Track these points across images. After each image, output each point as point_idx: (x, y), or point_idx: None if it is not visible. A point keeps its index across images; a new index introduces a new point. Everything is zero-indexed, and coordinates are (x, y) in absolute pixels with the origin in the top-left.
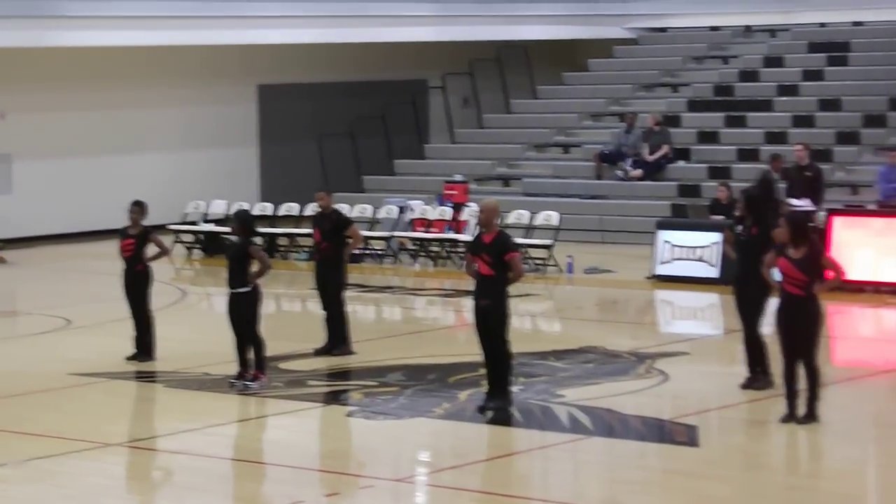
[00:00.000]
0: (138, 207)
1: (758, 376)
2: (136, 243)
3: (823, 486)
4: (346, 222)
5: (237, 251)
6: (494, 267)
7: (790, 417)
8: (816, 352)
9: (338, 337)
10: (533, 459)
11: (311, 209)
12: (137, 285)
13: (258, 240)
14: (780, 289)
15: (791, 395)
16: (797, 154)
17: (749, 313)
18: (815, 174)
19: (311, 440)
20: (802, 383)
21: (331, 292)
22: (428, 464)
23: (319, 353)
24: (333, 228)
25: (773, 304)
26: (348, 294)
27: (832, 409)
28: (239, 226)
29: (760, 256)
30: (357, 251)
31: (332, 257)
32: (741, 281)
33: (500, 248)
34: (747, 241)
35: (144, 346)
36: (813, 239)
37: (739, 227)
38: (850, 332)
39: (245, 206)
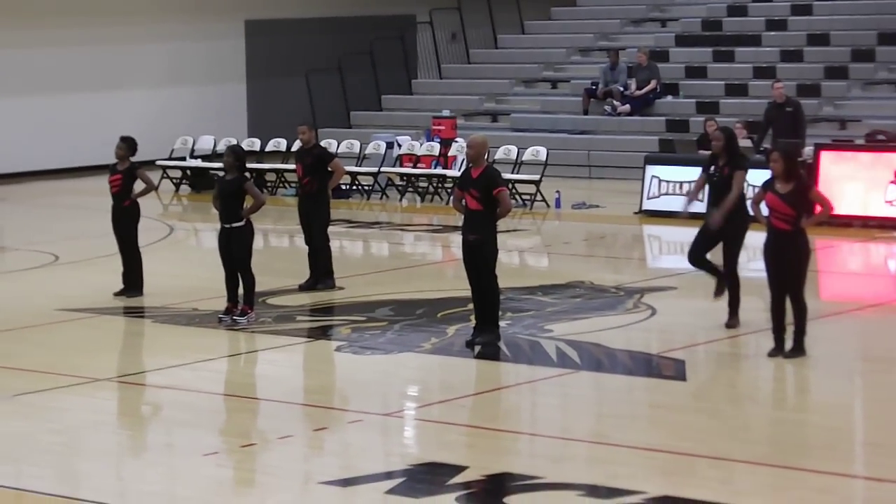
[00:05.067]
0: (125, 144)
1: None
2: (123, 179)
3: (810, 419)
4: (328, 156)
5: (232, 186)
6: (483, 202)
7: (777, 351)
8: (803, 286)
9: (321, 272)
10: (521, 394)
11: (298, 145)
12: (125, 221)
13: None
14: (767, 224)
15: (778, 330)
16: (774, 93)
17: (725, 252)
18: (795, 109)
19: (299, 375)
20: (789, 318)
21: (314, 227)
22: (416, 398)
23: (304, 288)
24: (315, 163)
25: (753, 239)
26: (336, 230)
27: (819, 343)
28: (234, 160)
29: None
30: (344, 186)
31: (316, 192)
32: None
33: (488, 182)
34: (719, 181)
35: (132, 281)
36: (801, 174)
37: (711, 168)
38: (838, 266)
39: (233, 141)
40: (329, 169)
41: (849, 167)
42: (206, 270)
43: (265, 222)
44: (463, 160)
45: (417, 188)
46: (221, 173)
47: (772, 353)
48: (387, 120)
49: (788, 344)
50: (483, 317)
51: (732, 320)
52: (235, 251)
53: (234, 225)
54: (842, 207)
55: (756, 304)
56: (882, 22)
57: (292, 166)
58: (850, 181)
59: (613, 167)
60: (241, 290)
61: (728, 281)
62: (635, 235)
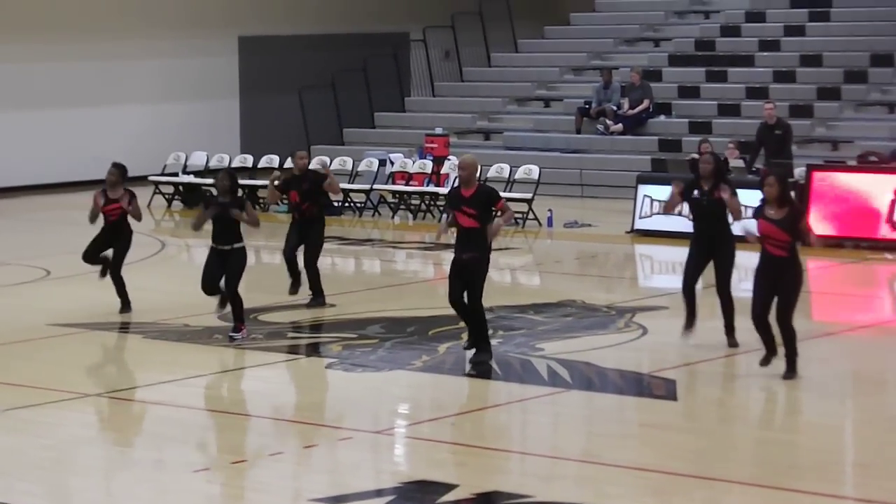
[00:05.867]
0: (117, 170)
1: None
2: (121, 206)
3: (801, 440)
4: (322, 177)
5: (233, 207)
6: (479, 219)
7: (770, 356)
8: (793, 312)
9: (314, 290)
10: (511, 412)
11: (289, 163)
12: (121, 242)
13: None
14: (762, 250)
15: (765, 334)
16: (765, 114)
17: (718, 275)
18: (784, 132)
19: (290, 392)
20: (778, 338)
21: (310, 249)
22: (407, 416)
23: (293, 292)
24: (312, 188)
25: (746, 260)
26: (328, 247)
27: (810, 364)
28: (229, 184)
29: (723, 219)
30: (336, 204)
31: (315, 216)
32: (711, 244)
33: (488, 199)
34: (709, 205)
35: (125, 297)
36: (794, 200)
37: (696, 192)
38: (830, 287)
39: (226, 157)
40: (325, 188)
41: (840, 188)
42: (198, 286)
43: (257, 239)
44: (455, 179)
45: (410, 206)
46: (216, 193)
47: (764, 362)
48: (379, 137)
49: (780, 355)
50: (476, 336)
51: (732, 340)
52: (229, 271)
53: (235, 246)
54: (833, 228)
55: (748, 325)
56: (875, 44)
57: None
58: (841, 202)
59: (606, 186)
60: (228, 309)
61: (723, 303)
62: (627, 255)
